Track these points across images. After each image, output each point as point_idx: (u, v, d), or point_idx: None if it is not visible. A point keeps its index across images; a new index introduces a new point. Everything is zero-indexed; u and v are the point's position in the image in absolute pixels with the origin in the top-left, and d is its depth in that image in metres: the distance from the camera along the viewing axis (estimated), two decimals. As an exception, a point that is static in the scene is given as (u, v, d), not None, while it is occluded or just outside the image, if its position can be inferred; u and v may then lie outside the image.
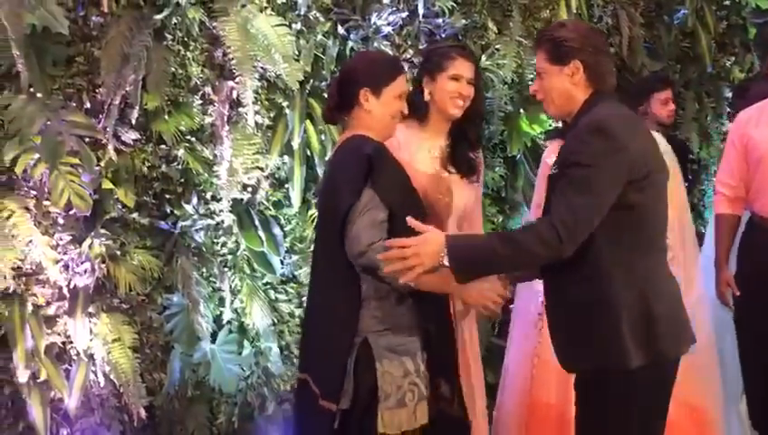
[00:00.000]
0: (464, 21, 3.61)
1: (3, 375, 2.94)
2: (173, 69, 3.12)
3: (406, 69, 2.60)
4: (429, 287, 2.14)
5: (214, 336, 3.28)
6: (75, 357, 3.04)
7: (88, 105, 3.01)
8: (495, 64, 3.65)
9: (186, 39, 3.15)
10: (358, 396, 2.14)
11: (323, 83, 3.40)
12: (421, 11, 3.51)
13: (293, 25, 3.30)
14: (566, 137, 2.11)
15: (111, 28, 2.99)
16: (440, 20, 3.57)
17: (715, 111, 4.39)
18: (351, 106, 2.28)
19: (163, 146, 3.16)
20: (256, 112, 3.24)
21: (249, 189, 3.30)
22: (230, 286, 3.31)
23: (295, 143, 3.32)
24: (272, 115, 3.33)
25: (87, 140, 2.98)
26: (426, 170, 2.62)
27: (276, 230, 3.36)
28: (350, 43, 3.41)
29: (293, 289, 3.43)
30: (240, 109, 3.23)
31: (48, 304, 2.99)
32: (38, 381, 2.95)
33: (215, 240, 3.29)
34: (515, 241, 2.00)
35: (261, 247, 3.31)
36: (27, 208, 2.92)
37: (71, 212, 2.99)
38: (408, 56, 3.53)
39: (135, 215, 3.12)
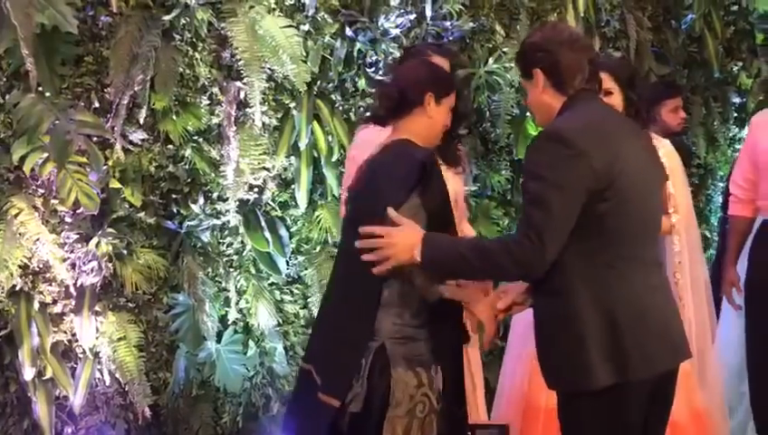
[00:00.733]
0: (471, 24, 3.61)
1: (9, 372, 2.96)
2: (181, 69, 3.13)
3: None
4: (453, 295, 2.12)
5: (219, 336, 3.29)
6: (81, 355, 3.05)
7: (96, 105, 3.02)
8: (502, 67, 3.65)
9: (194, 40, 3.17)
10: (370, 401, 2.11)
11: (331, 85, 3.41)
12: (429, 13, 3.52)
13: (301, 27, 3.31)
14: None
15: (120, 28, 3.00)
16: (448, 23, 3.57)
17: (721, 115, 4.38)
18: (411, 109, 2.25)
19: (170, 146, 3.17)
20: (263, 113, 3.25)
21: (255, 190, 3.31)
22: (236, 287, 3.31)
23: (302, 144, 3.33)
24: (279, 116, 3.34)
25: (95, 139, 2.99)
26: None
27: (282, 231, 3.37)
28: (358, 45, 3.42)
29: (299, 290, 3.44)
30: (247, 109, 3.24)
31: (54, 302, 3.00)
32: (43, 378, 2.96)
33: (221, 240, 3.29)
34: (485, 251, 1.94)
35: (267, 248, 3.31)
36: (35, 207, 2.93)
37: (78, 211, 3.00)
38: (416, 59, 3.53)
39: (142, 214, 3.13)
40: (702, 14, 4.12)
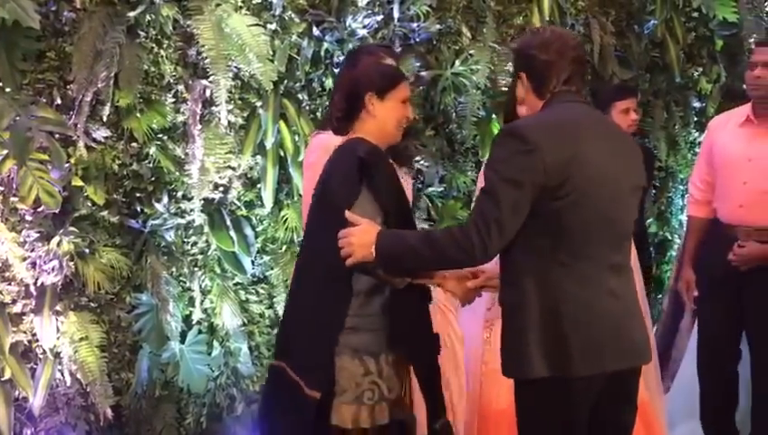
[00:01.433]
0: (438, 26, 3.63)
1: (-34, 373, 2.90)
2: (146, 66, 3.11)
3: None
4: (422, 281, 2.18)
5: (183, 336, 3.27)
6: (41, 356, 3.00)
7: (59, 101, 2.98)
8: (469, 69, 3.68)
9: (159, 37, 3.14)
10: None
11: (297, 84, 3.41)
12: (396, 15, 3.53)
13: (268, 26, 3.30)
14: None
15: (84, 24, 2.96)
16: (415, 24, 3.59)
17: (682, 119, 4.46)
18: (357, 113, 2.31)
19: (134, 144, 3.14)
20: (229, 112, 3.24)
21: (221, 189, 3.29)
22: (200, 286, 3.29)
23: (268, 143, 3.32)
24: (245, 115, 3.32)
25: (57, 136, 2.95)
26: None
27: (248, 230, 3.35)
28: (325, 45, 3.42)
29: (264, 290, 3.42)
30: (213, 108, 3.22)
31: (14, 301, 2.95)
32: (2, 379, 2.91)
33: (185, 239, 3.27)
34: (434, 242, 1.99)
35: (232, 248, 3.30)
36: (-6, 205, 2.89)
37: (39, 209, 2.96)
38: (383, 59, 3.54)
39: (105, 213, 3.09)
40: (664, 19, 4.20)
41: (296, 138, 3.38)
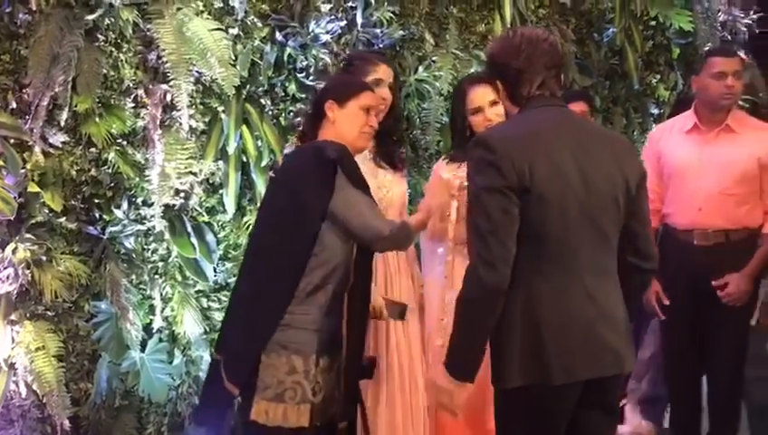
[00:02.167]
0: (401, 32, 3.64)
1: None
2: (105, 70, 3.06)
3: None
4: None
5: (143, 345, 3.22)
6: (-5, 367, 2.93)
7: (14, 105, 2.93)
8: (432, 76, 3.69)
9: (118, 40, 3.10)
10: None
11: (260, 89, 3.38)
12: (359, 20, 3.53)
13: (230, 30, 3.27)
14: None
15: (40, 27, 2.92)
16: (378, 30, 3.59)
17: (641, 126, 4.53)
18: (320, 121, 2.35)
19: (93, 149, 3.09)
20: (191, 117, 3.20)
21: (182, 195, 3.25)
22: (161, 294, 3.25)
23: (231, 148, 3.29)
24: (206, 120, 3.29)
25: (12, 141, 2.90)
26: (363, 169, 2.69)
27: (209, 237, 3.32)
28: (288, 50, 3.40)
29: (227, 297, 3.38)
30: (174, 113, 3.18)
31: (-33, 311, 2.88)
32: (-45, 391, 2.84)
33: (145, 246, 3.22)
34: (462, 304, 1.94)
35: (193, 254, 3.26)
36: (-54, 211, 2.81)
37: (-7, 216, 2.89)
38: (346, 65, 3.54)
39: (62, 219, 3.04)
40: (623, 28, 4.27)
41: (259, 143, 3.36)
